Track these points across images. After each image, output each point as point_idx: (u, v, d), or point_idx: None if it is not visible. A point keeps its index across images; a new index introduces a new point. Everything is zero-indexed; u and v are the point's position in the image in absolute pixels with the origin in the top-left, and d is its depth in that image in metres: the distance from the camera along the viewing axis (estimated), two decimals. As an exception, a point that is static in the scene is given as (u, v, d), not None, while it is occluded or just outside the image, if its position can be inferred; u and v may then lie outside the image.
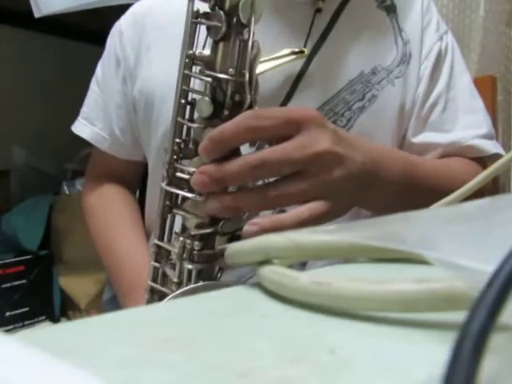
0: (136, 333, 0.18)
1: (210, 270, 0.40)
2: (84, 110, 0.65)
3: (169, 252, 0.42)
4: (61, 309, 1.60)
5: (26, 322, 1.51)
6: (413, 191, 0.45)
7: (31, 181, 1.73)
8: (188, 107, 0.41)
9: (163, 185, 0.41)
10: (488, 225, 0.18)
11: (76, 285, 1.55)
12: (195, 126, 0.39)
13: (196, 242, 0.38)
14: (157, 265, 0.42)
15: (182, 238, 0.39)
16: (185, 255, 0.39)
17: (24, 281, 1.51)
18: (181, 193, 0.39)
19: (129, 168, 0.65)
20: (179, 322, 0.19)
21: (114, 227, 0.61)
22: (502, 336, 0.13)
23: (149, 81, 0.56)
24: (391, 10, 0.58)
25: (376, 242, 0.19)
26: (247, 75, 0.38)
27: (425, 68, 0.57)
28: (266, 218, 0.35)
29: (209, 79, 0.38)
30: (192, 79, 0.40)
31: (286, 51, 0.47)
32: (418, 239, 0.17)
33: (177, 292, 0.37)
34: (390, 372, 0.14)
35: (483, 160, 0.59)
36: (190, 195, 0.38)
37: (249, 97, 0.38)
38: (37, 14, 1.20)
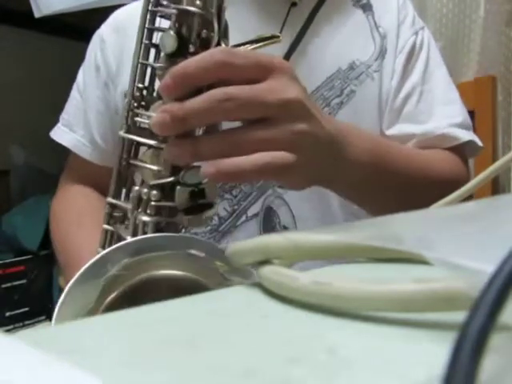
0: (136, 333, 0.18)
1: (170, 226, 0.36)
2: (64, 116, 0.64)
3: (124, 215, 0.37)
4: (61, 309, 1.60)
5: (26, 322, 1.51)
6: (382, 173, 0.45)
7: (31, 181, 1.73)
8: (153, 51, 0.38)
9: (121, 133, 0.37)
10: (488, 225, 0.18)
11: (76, 285, 1.55)
12: (157, 65, 0.36)
13: (153, 192, 0.34)
14: (109, 228, 0.38)
15: (137, 188, 0.35)
16: (140, 207, 0.35)
17: (24, 281, 1.51)
18: (141, 140, 0.36)
19: (107, 173, 0.64)
20: (179, 322, 0.19)
21: (72, 235, 0.58)
22: (502, 336, 0.13)
23: None
24: (367, 8, 0.60)
25: (376, 242, 0.19)
26: (215, 12, 0.35)
27: (399, 61, 0.58)
28: (224, 160, 0.33)
29: (174, 11, 0.35)
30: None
31: (257, 37, 0.44)
32: (418, 239, 0.17)
33: (123, 242, 0.33)
34: (389, 372, 0.14)
35: (461, 150, 0.59)
36: (150, 142, 0.35)
37: (217, 36, 0.35)
38: (37, 14, 1.20)
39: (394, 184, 0.47)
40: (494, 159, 0.97)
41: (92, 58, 0.62)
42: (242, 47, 0.41)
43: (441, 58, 0.63)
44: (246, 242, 0.24)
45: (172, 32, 0.34)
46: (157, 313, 0.21)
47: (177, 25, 0.35)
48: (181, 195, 0.35)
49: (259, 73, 0.34)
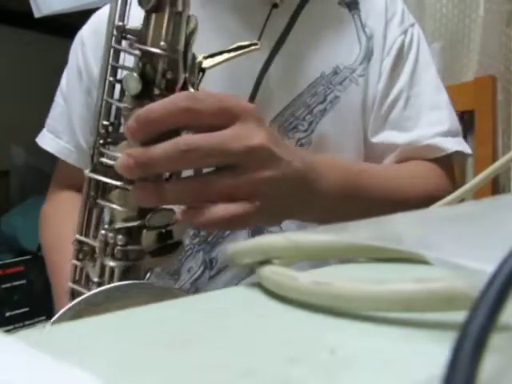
0: (135, 333, 0.18)
1: (137, 270, 0.36)
2: (49, 122, 0.63)
3: (93, 250, 0.37)
4: (61, 309, 1.60)
5: (26, 322, 1.51)
6: (358, 200, 0.43)
7: (31, 181, 1.73)
8: (118, 86, 0.37)
9: (87, 172, 0.37)
10: (488, 225, 0.18)
11: (76, 285, 1.55)
12: (122, 105, 0.35)
13: (120, 236, 0.34)
14: (78, 263, 0.38)
15: (103, 232, 0.35)
16: (107, 251, 0.35)
17: (24, 281, 1.51)
18: (107, 180, 0.35)
19: None
20: (178, 322, 0.19)
21: (60, 242, 0.57)
22: (502, 336, 0.13)
23: None
24: (353, 6, 0.57)
25: (376, 241, 0.19)
26: (181, 51, 0.35)
27: (386, 64, 0.56)
28: (195, 209, 0.33)
29: (137, 52, 0.34)
30: (122, 58, 0.37)
31: (235, 45, 0.43)
32: (418, 239, 0.17)
33: (89, 293, 0.33)
34: (390, 372, 0.14)
35: (448, 160, 0.56)
36: (116, 183, 0.35)
37: (183, 75, 0.35)
38: (37, 14, 1.20)
39: (370, 208, 0.45)
40: (494, 159, 0.97)
41: (74, 62, 0.61)
42: (218, 57, 0.41)
43: (430, 57, 0.60)
44: (246, 242, 0.24)
45: (135, 74, 0.34)
46: (157, 313, 0.21)
47: (140, 65, 0.34)
48: (147, 239, 0.35)
49: (224, 118, 0.33)
